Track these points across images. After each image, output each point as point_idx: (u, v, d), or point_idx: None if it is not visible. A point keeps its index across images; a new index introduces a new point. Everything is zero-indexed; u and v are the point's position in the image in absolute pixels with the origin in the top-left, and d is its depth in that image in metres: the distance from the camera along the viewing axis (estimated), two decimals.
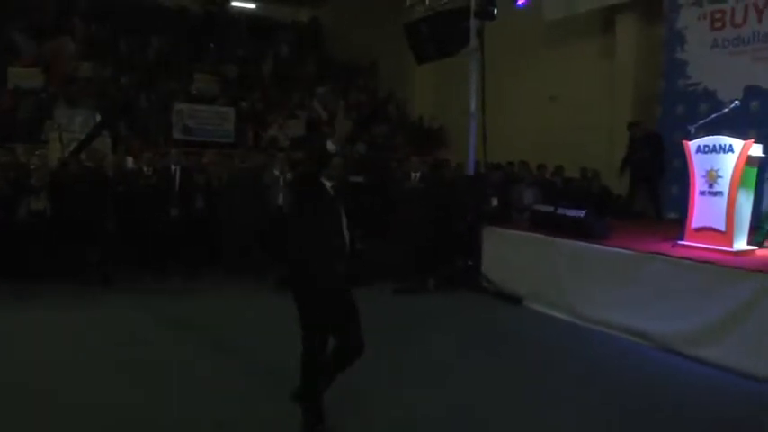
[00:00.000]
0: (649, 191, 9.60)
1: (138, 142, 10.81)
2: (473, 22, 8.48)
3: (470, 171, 8.60)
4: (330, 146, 3.36)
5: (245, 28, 16.84)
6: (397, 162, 10.72)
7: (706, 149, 6.16)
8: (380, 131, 14.28)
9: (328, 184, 3.69)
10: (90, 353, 5.24)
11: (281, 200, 8.83)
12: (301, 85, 15.22)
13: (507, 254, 7.62)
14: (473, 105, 8.47)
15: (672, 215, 9.12)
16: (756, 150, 6.00)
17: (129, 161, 9.41)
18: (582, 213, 6.93)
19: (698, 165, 6.22)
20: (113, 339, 5.59)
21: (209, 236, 8.57)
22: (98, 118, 10.54)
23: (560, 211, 7.32)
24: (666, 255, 5.84)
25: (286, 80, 15.31)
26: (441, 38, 9.19)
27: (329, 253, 3.64)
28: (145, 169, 8.60)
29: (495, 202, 8.81)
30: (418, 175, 8.10)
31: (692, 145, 6.28)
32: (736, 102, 6.88)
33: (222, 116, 12.51)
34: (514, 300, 7.19)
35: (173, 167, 8.38)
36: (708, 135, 6.26)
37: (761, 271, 5.11)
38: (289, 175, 9.17)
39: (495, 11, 8.38)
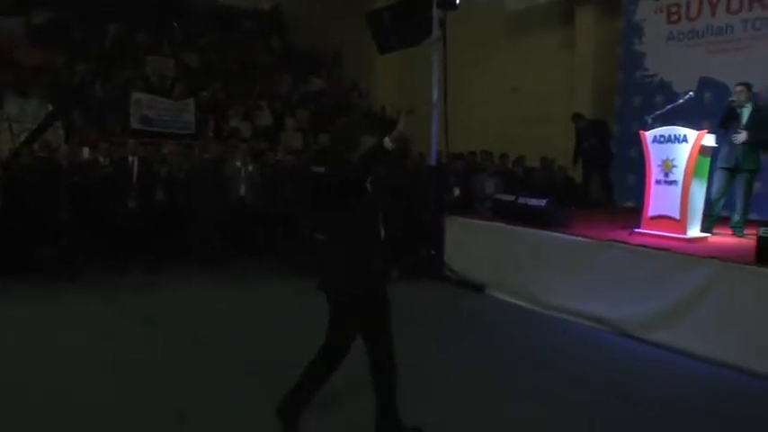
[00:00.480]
0: (601, 178, 9.83)
1: (94, 132, 10.53)
2: (436, 13, 8.49)
3: (433, 161, 8.64)
4: (387, 143, 3.27)
5: (206, 16, 16.54)
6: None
7: (662, 139, 6.30)
8: (342, 122, 14.18)
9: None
10: (59, 350, 5.10)
11: (242, 191, 8.74)
12: (264, 74, 15.04)
13: (469, 243, 7.68)
14: (435, 95, 8.49)
15: (629, 203, 9.32)
16: (709, 140, 6.17)
17: (85, 152, 9.16)
18: (542, 202, 7.02)
19: (654, 154, 6.37)
20: (81, 336, 5.45)
21: (170, 228, 8.43)
22: (50, 108, 10.23)
23: (521, 200, 7.41)
24: (623, 242, 5.97)
25: (248, 70, 15.11)
26: (403, 28, 9.16)
27: (372, 250, 3.54)
28: (101, 160, 8.39)
29: (457, 191, 8.88)
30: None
31: (648, 135, 6.42)
32: (691, 93, 7.05)
33: (182, 107, 12.26)
34: (477, 288, 7.26)
35: (130, 158, 8.20)
36: (664, 125, 6.40)
37: (713, 257, 5.26)
38: (250, 167, 9.10)
39: (458, 1, 8.41)
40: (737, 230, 6.56)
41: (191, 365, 4.81)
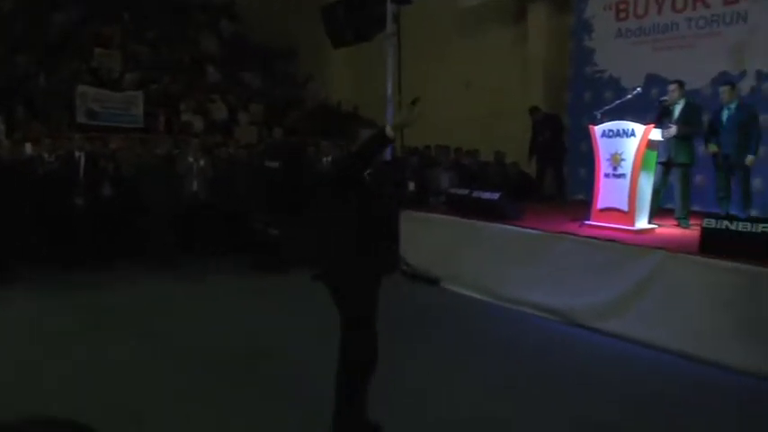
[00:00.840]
0: (553, 171, 10.01)
1: (38, 127, 10.17)
2: (390, 7, 8.51)
3: (387, 155, 8.64)
4: (389, 131, 3.19)
5: (157, 7, 16.15)
6: (314, 147, 10.62)
7: (610, 134, 6.45)
8: (296, 117, 14.10)
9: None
10: (8, 351, 4.94)
11: (195, 186, 8.58)
12: (216, 68, 14.78)
13: (424, 236, 7.72)
14: (390, 90, 8.50)
15: (580, 196, 9.52)
16: (656, 135, 6.34)
17: (28, 147, 8.84)
18: (496, 196, 7.11)
19: (603, 148, 6.51)
20: (26, 337, 5.30)
21: (120, 225, 8.22)
22: None
23: (475, 194, 7.48)
24: (574, 234, 6.10)
25: (199, 63, 14.83)
26: (357, 22, 9.16)
27: (371, 240, 3.52)
28: (46, 156, 8.11)
29: (412, 185, 8.91)
30: (330, 158, 8.04)
31: (597, 129, 6.56)
32: (639, 89, 7.23)
33: (130, 100, 11.95)
34: (432, 281, 7.31)
35: (77, 154, 7.94)
36: (612, 120, 6.55)
37: (660, 248, 5.41)
38: (203, 162, 8.93)
39: None
40: (683, 222, 6.77)
41: (144, 365, 4.71)
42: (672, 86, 6.78)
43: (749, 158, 6.53)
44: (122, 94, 11.89)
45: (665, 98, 6.79)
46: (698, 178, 8.33)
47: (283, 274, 7.67)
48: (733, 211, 6.53)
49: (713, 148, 6.75)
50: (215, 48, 15.74)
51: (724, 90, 6.76)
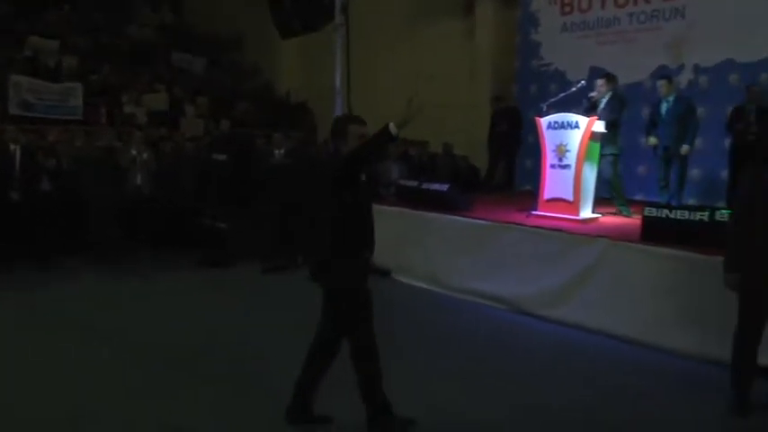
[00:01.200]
0: (506, 163, 10.10)
1: None
2: None
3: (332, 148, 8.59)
4: (393, 128, 3.12)
5: None
6: (264, 139, 10.48)
7: (555, 126, 6.57)
8: (244, 108, 13.87)
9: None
10: None
11: (139, 180, 8.35)
12: (159, 58, 14.40)
13: (375, 228, 7.69)
14: (338, 81, 8.44)
15: (527, 187, 9.69)
16: (599, 127, 6.49)
17: None
18: (445, 187, 7.15)
19: (549, 140, 6.63)
20: None
21: (60, 220, 7.92)
22: None
23: (424, 185, 7.51)
24: (521, 224, 6.20)
25: (142, 53, 14.42)
26: (305, 12, 9.05)
27: (371, 242, 3.53)
28: None
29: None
30: (282, 151, 7.95)
31: (543, 121, 6.67)
32: (583, 82, 7.38)
33: (68, 91, 11.51)
34: (383, 273, 7.30)
35: (12, 146, 7.59)
36: (558, 112, 6.67)
37: (603, 236, 5.56)
38: (147, 155, 8.69)
39: None
40: (624, 210, 6.97)
41: (91, 363, 4.56)
42: (600, 81, 6.95)
43: (684, 148, 6.77)
44: (60, 85, 11.43)
45: (592, 94, 6.96)
46: (640, 168, 8.61)
47: (231, 268, 7.58)
48: (671, 200, 6.76)
49: (652, 140, 6.97)
50: (158, 37, 15.33)
51: (662, 84, 6.98)
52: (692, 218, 5.11)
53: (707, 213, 5.07)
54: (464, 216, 6.77)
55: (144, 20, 15.69)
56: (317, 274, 3.51)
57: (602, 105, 6.84)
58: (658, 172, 7.16)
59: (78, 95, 11.46)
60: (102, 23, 14.71)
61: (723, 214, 4.91)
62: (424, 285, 6.86)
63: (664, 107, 6.91)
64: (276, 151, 7.96)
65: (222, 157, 8.34)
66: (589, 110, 6.80)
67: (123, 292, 6.54)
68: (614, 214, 6.97)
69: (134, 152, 8.41)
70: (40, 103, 10.88)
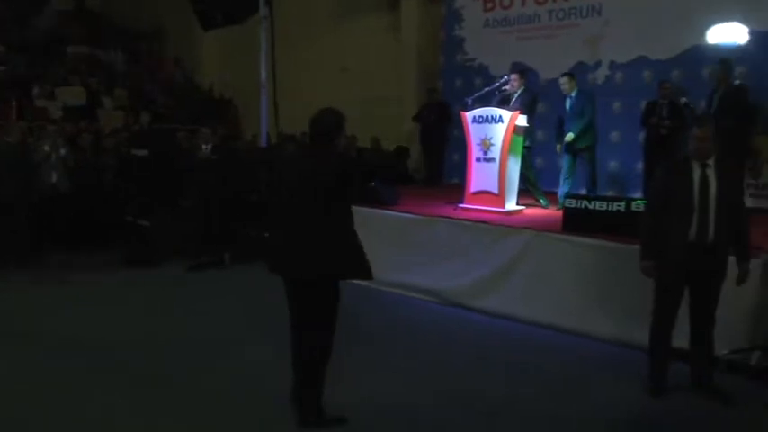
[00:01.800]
0: (435, 157, 10.18)
1: None
2: None
3: (263, 142, 8.47)
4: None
5: None
6: (188, 133, 10.19)
7: (480, 120, 6.69)
8: (164, 102, 13.45)
9: None
10: None
11: (54, 178, 7.93)
12: (75, 49, 13.74)
13: None
14: (263, 75, 8.30)
15: (455, 180, 9.83)
16: (522, 121, 6.65)
17: None
18: (372, 182, 7.16)
19: (474, 134, 6.74)
20: None
21: None
22: None
23: None
24: (448, 217, 6.29)
25: (56, 44, 13.71)
26: (227, 4, 8.83)
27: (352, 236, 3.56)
28: None
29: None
30: (209, 146, 7.75)
31: (468, 116, 6.77)
32: (506, 77, 7.54)
33: None
34: None
35: None
36: (482, 107, 6.80)
37: (527, 228, 5.72)
38: (63, 151, 8.26)
39: None
40: (541, 201, 7.21)
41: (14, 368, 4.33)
42: (513, 76, 7.10)
43: (568, 135, 6.94)
44: None
45: (505, 88, 7.13)
46: (537, 161, 8.77)
47: (155, 267, 7.34)
48: (582, 191, 6.95)
49: (569, 137, 7.08)
50: (73, 27, 14.60)
51: (564, 80, 7.15)
52: (609, 208, 5.33)
53: (623, 204, 5.30)
54: (392, 210, 6.80)
55: (59, 9, 14.88)
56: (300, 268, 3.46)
57: (513, 99, 7.01)
58: (563, 166, 7.30)
59: None
60: (10, 13, 13.88)
61: (639, 204, 5.14)
62: (353, 280, 6.82)
63: (568, 103, 7.12)
64: (203, 146, 7.74)
65: (143, 152, 8.05)
66: (501, 103, 6.97)
67: (39, 295, 6.23)
68: (535, 205, 7.18)
69: (47, 148, 7.98)
70: None
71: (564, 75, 7.26)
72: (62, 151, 8.10)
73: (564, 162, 7.24)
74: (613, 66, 8.84)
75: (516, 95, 7.02)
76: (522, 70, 7.19)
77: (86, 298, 6.21)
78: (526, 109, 6.82)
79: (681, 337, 4.08)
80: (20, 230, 7.39)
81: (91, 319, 5.53)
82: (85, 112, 11.84)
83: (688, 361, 4.12)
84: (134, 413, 3.75)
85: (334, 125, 3.52)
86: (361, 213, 6.95)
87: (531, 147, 7.26)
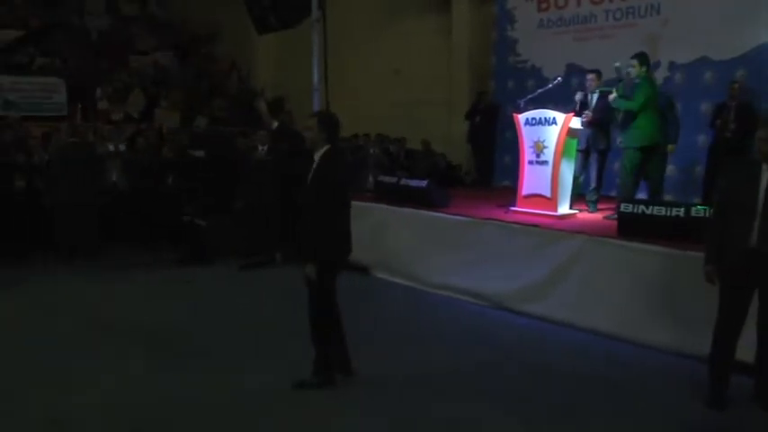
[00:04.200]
0: (483, 159, 10.09)
1: None
2: None
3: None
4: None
5: None
6: (244, 135, 10.38)
7: (533, 122, 6.59)
8: (220, 104, 13.73)
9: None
10: None
11: (115, 177, 8.22)
12: (135, 51, 14.19)
13: (354, 225, 7.65)
14: (316, 77, 8.37)
15: (506, 183, 9.72)
16: (575, 123, 6.52)
17: None
18: (423, 183, 7.15)
19: (526, 136, 6.65)
20: None
21: (34, 217, 7.79)
22: None
23: (403, 181, 7.51)
24: (499, 220, 6.22)
25: (119, 48, 14.19)
26: (282, 8, 8.93)
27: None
28: None
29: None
30: (265, 148, 7.87)
31: (521, 118, 6.69)
32: (559, 78, 7.43)
33: (51, 88, 11.36)
34: (362, 269, 7.28)
35: None
36: (535, 109, 6.69)
37: (580, 232, 5.60)
38: (122, 150, 8.54)
39: None
40: (591, 206, 7.02)
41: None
42: (590, 76, 6.98)
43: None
44: (42, 81, 11.33)
45: (581, 92, 6.98)
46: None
47: (209, 265, 7.52)
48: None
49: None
50: (136, 30, 15.10)
51: (592, 77, 6.94)
52: (668, 214, 5.16)
53: (683, 209, 5.13)
54: (443, 212, 6.77)
55: (122, 14, 15.40)
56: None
57: (593, 103, 6.84)
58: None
59: (62, 92, 11.36)
60: (70, 15, 14.44)
61: (699, 210, 4.97)
62: (403, 282, 6.85)
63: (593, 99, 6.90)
64: (261, 148, 7.87)
65: (200, 153, 8.25)
66: (582, 106, 6.82)
67: (102, 290, 6.47)
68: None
69: (111, 147, 8.28)
70: (23, 101, 10.79)
71: (591, 71, 7.06)
72: (122, 150, 8.38)
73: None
74: (673, 66, 8.57)
75: (596, 98, 6.84)
76: (598, 71, 7.00)
77: (151, 292, 6.48)
78: (607, 111, 6.68)
79: (741, 349, 3.91)
80: (87, 227, 7.67)
81: (159, 310, 5.83)
82: (143, 114, 12.21)
83: (750, 374, 3.95)
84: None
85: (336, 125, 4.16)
86: (411, 215, 7.00)
87: (608, 150, 7.05)
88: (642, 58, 6.34)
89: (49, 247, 7.83)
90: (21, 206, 7.60)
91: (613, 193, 7.38)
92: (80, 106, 11.82)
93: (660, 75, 8.56)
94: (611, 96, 6.36)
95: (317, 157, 4.06)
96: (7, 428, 3.61)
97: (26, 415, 3.74)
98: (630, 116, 6.29)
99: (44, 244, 7.81)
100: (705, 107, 7.93)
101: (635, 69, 6.28)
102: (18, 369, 4.44)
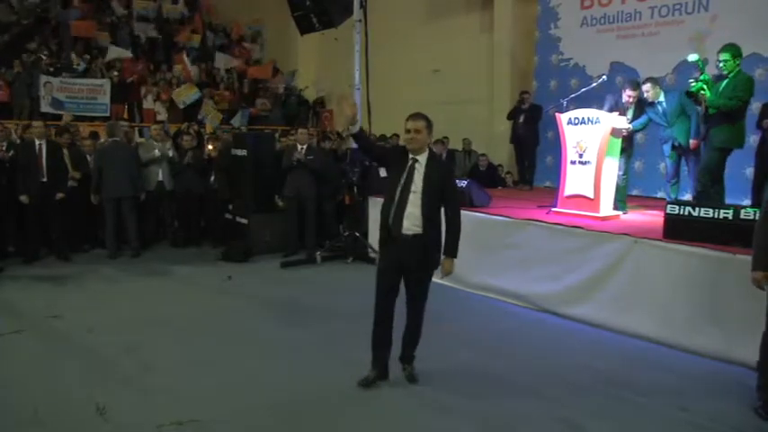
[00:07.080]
0: (525, 159, 10.00)
1: None
2: None
3: (352, 143, 8.59)
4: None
5: None
6: (284, 134, 10.53)
7: (576, 121, 6.50)
8: (262, 104, 13.94)
9: None
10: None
11: (161, 176, 8.41)
12: (178, 51, 14.50)
13: None
14: (357, 77, 8.44)
15: (547, 183, 9.63)
16: (620, 123, 6.42)
17: None
18: (464, 183, 7.13)
19: (569, 136, 6.57)
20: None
21: (82, 214, 8.07)
22: None
23: None
24: (540, 221, 6.16)
25: (160, 47, 14.54)
26: (324, 8, 9.02)
27: None
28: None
29: (383, 173, 8.83)
30: (305, 147, 7.96)
31: (563, 117, 6.60)
32: (604, 76, 7.31)
33: (96, 89, 11.69)
34: None
35: (37, 142, 7.65)
36: (578, 108, 6.61)
37: (625, 234, 5.50)
38: (170, 150, 8.71)
39: None
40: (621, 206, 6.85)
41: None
42: (646, 86, 6.62)
43: (692, 142, 6.56)
44: (89, 83, 11.67)
45: (612, 95, 6.84)
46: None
47: (251, 262, 7.66)
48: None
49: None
50: (177, 29, 15.43)
51: (648, 87, 6.60)
52: (715, 216, 5.05)
53: (731, 211, 5.00)
54: (483, 212, 6.75)
55: (168, 16, 15.77)
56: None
57: (664, 106, 6.60)
58: (670, 169, 6.97)
59: (107, 92, 11.67)
60: (121, 21, 14.83)
61: (748, 212, 4.84)
62: (444, 282, 6.80)
63: (659, 109, 6.63)
64: (300, 147, 7.97)
65: (243, 152, 8.38)
66: (643, 109, 6.69)
67: (150, 286, 6.68)
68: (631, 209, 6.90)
69: (157, 147, 8.48)
70: (70, 101, 11.12)
71: (646, 81, 6.71)
72: (169, 151, 8.57)
73: (671, 167, 6.92)
74: None
75: (666, 101, 6.61)
76: (653, 78, 6.77)
77: (197, 289, 6.63)
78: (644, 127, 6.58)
79: None
80: (130, 224, 7.92)
81: (206, 305, 6.01)
82: (188, 114, 12.48)
83: None
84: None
85: None
86: None
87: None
88: (735, 50, 5.91)
89: (96, 244, 8.14)
90: (75, 206, 7.89)
91: (661, 194, 7.23)
92: (125, 106, 12.16)
93: (709, 73, 8.34)
94: (702, 95, 6.03)
95: (421, 158, 4.04)
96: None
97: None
98: (723, 114, 5.99)
99: (91, 241, 8.14)
100: (756, 105, 7.69)
101: (730, 63, 5.88)
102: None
